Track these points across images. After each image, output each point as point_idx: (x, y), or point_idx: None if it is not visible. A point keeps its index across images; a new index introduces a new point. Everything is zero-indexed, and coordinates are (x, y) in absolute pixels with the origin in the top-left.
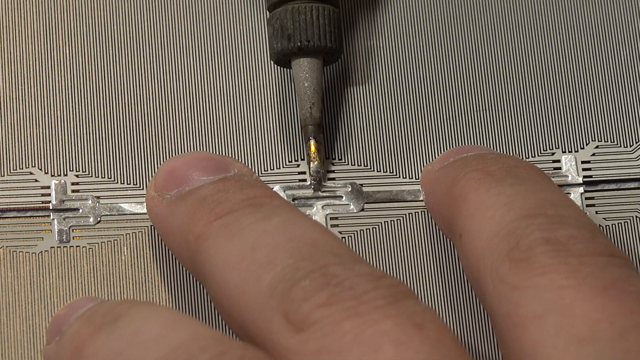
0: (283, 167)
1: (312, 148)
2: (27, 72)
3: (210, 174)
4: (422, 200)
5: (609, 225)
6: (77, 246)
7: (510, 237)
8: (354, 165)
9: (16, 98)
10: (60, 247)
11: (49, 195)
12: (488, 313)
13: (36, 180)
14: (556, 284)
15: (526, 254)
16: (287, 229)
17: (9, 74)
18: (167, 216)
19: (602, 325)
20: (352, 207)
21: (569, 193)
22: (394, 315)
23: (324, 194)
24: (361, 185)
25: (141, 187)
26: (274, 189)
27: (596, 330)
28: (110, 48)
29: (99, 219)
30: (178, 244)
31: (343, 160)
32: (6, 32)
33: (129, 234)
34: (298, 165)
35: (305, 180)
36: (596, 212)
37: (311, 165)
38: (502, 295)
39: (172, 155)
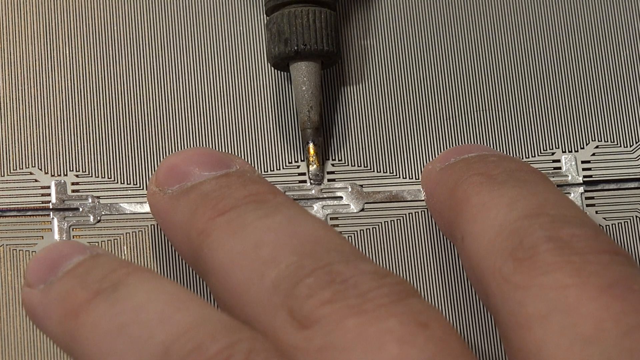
0: (283, 168)
1: (311, 151)
2: (27, 72)
3: (212, 170)
4: (422, 200)
5: (609, 225)
6: None
7: (514, 236)
8: (354, 165)
9: (16, 98)
10: None
11: (49, 195)
12: (491, 313)
13: (36, 180)
14: (560, 283)
15: (530, 253)
16: (291, 226)
17: (9, 74)
18: (169, 211)
19: (607, 324)
20: (352, 207)
21: (568, 193)
22: (398, 313)
23: (324, 195)
24: (361, 185)
25: (141, 187)
26: None
27: (601, 329)
28: (110, 48)
29: (99, 218)
30: (180, 239)
31: (343, 161)
32: (6, 32)
33: (129, 233)
34: (298, 167)
35: (305, 181)
36: (596, 212)
37: (310, 168)
38: (506, 295)
39: None
